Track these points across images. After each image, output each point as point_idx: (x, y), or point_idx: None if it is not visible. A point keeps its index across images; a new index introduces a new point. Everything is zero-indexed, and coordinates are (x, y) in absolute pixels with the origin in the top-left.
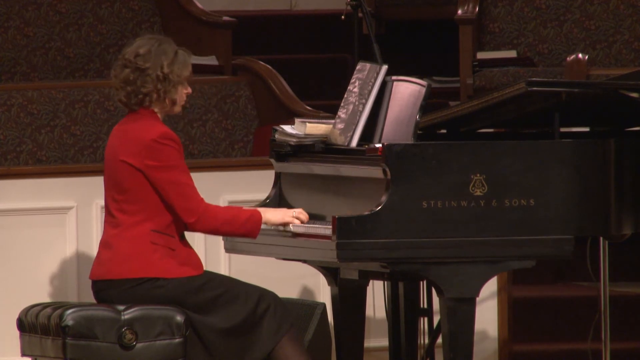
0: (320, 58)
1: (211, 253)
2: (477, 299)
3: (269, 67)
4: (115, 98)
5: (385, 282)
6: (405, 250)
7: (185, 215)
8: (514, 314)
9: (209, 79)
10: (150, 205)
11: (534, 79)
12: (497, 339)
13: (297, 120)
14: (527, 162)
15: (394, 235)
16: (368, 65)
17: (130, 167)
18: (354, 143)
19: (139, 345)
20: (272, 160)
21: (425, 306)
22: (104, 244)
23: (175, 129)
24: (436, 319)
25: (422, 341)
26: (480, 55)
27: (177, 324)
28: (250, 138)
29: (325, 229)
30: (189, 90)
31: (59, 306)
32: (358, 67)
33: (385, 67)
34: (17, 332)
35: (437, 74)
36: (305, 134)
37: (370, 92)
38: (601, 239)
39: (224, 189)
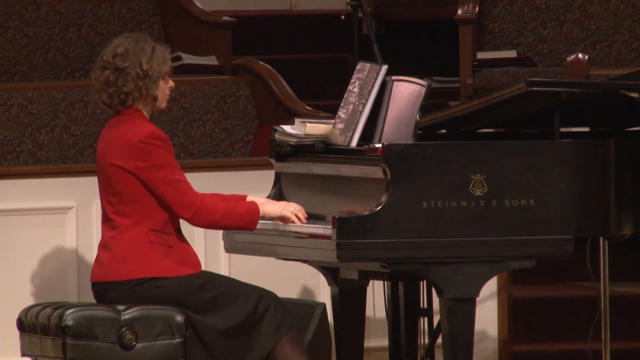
0: (320, 58)
1: (211, 253)
2: (477, 299)
3: (269, 67)
4: (98, 101)
5: (385, 282)
6: (405, 250)
7: (182, 211)
8: (514, 314)
9: (209, 79)
10: (146, 206)
11: (534, 79)
12: (497, 339)
13: (297, 120)
14: (527, 162)
15: (394, 235)
16: (368, 65)
17: (122, 170)
18: (354, 143)
19: (139, 345)
20: (272, 160)
21: (425, 306)
22: (103, 246)
23: (175, 129)
24: (436, 319)
25: (422, 341)
26: (480, 55)
27: (177, 324)
28: (250, 138)
29: (325, 229)
30: (172, 84)
31: (59, 306)
32: (358, 67)
33: (385, 67)
34: (17, 332)
35: (437, 74)
36: (305, 134)
37: (370, 92)
38: (601, 239)
39: (224, 189)
